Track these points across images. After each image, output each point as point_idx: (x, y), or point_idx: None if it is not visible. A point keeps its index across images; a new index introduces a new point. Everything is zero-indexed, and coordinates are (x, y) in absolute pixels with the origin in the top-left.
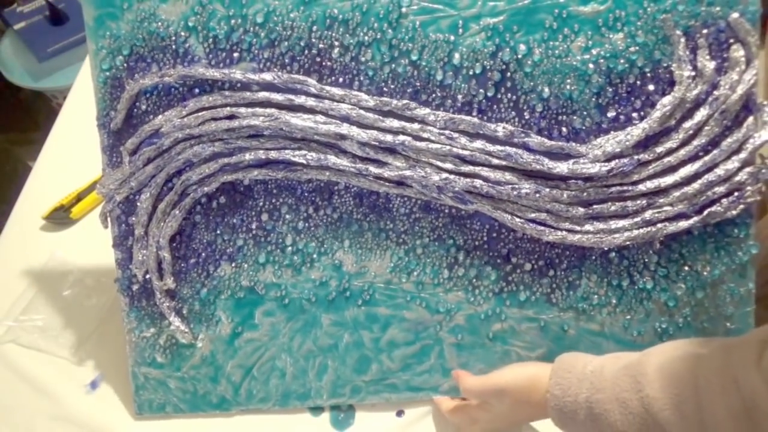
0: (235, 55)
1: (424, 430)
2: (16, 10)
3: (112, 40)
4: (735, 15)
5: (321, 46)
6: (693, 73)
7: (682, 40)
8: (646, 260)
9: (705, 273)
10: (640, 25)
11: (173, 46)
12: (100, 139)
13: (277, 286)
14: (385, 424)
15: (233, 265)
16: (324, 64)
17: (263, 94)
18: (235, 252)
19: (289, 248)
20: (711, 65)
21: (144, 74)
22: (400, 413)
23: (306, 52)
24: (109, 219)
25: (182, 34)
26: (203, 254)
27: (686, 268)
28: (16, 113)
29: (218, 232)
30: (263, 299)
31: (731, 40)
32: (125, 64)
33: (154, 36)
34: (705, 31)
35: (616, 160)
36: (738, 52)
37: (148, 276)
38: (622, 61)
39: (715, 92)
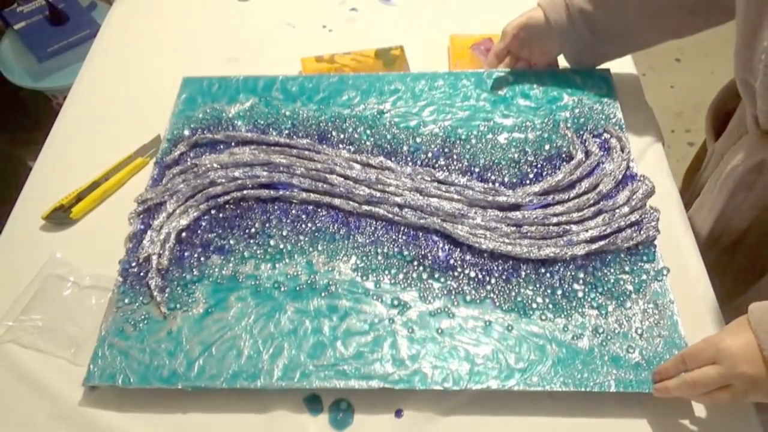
0: (266, 132)
1: (423, 431)
2: (16, 10)
3: (186, 120)
4: (608, 125)
5: (325, 128)
6: (585, 153)
7: (575, 137)
8: (574, 274)
9: (629, 287)
10: (545, 127)
11: (224, 124)
12: (153, 170)
13: (254, 276)
14: (385, 424)
15: (221, 258)
16: (326, 138)
17: (279, 147)
18: (226, 248)
19: (271, 248)
20: (597, 149)
21: (201, 134)
22: (399, 413)
23: (315, 132)
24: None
25: (233, 120)
26: (200, 248)
27: (609, 283)
28: (16, 113)
29: (218, 231)
30: (240, 286)
31: (608, 135)
32: (190, 130)
33: (215, 119)
34: (590, 130)
35: (538, 196)
36: (613, 142)
37: (145, 260)
38: (535, 146)
39: (603, 165)
